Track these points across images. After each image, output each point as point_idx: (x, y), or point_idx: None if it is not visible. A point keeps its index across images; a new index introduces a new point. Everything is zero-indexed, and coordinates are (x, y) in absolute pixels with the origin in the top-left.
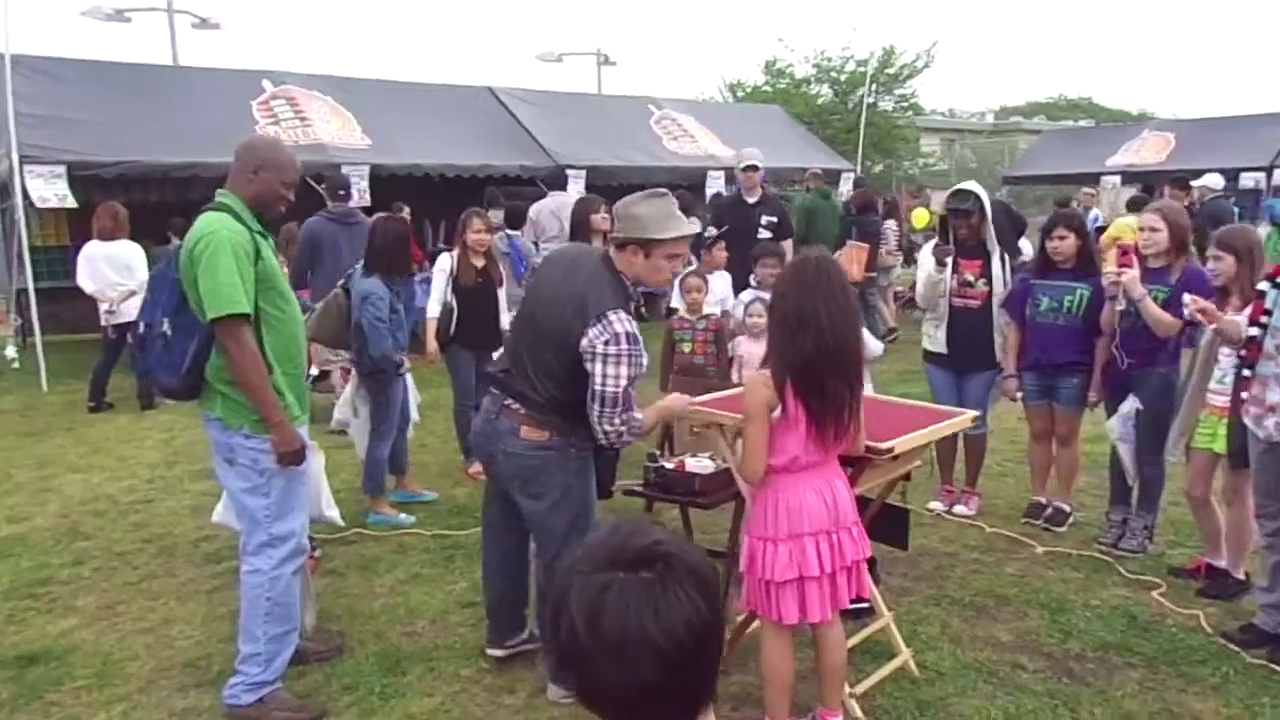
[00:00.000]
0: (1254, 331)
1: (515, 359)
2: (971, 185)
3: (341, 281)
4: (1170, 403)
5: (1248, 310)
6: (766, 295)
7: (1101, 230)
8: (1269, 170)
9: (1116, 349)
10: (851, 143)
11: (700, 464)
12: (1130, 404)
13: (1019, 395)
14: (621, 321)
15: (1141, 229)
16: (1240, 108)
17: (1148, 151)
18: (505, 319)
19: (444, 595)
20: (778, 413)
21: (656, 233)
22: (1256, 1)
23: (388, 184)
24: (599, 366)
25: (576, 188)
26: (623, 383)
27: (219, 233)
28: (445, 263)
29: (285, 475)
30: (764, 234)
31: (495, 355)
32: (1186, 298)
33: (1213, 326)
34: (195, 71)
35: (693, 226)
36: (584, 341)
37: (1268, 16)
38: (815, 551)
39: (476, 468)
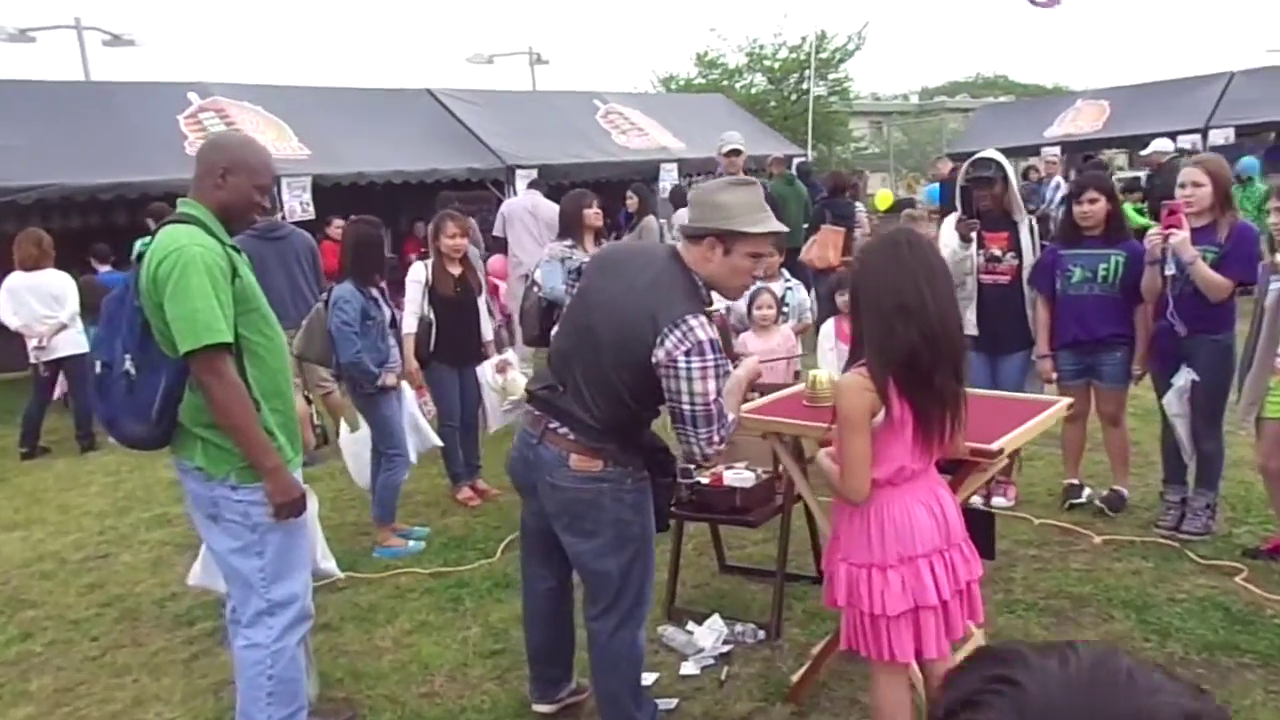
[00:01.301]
0: None
1: (564, 375)
2: (991, 152)
3: (324, 295)
4: (1228, 371)
5: None
6: (772, 285)
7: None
8: (1204, 132)
9: (1171, 316)
10: (788, 130)
11: (739, 476)
12: (1185, 376)
13: (1055, 376)
14: (703, 327)
15: (1182, 184)
16: (1152, 74)
17: (1084, 120)
18: (488, 329)
19: (459, 645)
20: (880, 417)
21: (744, 225)
22: None
23: (331, 194)
24: (684, 384)
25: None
26: (712, 397)
27: (187, 249)
28: (420, 273)
29: (282, 530)
30: None
31: (479, 369)
32: None
33: None
34: (115, 87)
35: (782, 225)
36: (660, 354)
37: None
38: (931, 576)
39: (467, 493)
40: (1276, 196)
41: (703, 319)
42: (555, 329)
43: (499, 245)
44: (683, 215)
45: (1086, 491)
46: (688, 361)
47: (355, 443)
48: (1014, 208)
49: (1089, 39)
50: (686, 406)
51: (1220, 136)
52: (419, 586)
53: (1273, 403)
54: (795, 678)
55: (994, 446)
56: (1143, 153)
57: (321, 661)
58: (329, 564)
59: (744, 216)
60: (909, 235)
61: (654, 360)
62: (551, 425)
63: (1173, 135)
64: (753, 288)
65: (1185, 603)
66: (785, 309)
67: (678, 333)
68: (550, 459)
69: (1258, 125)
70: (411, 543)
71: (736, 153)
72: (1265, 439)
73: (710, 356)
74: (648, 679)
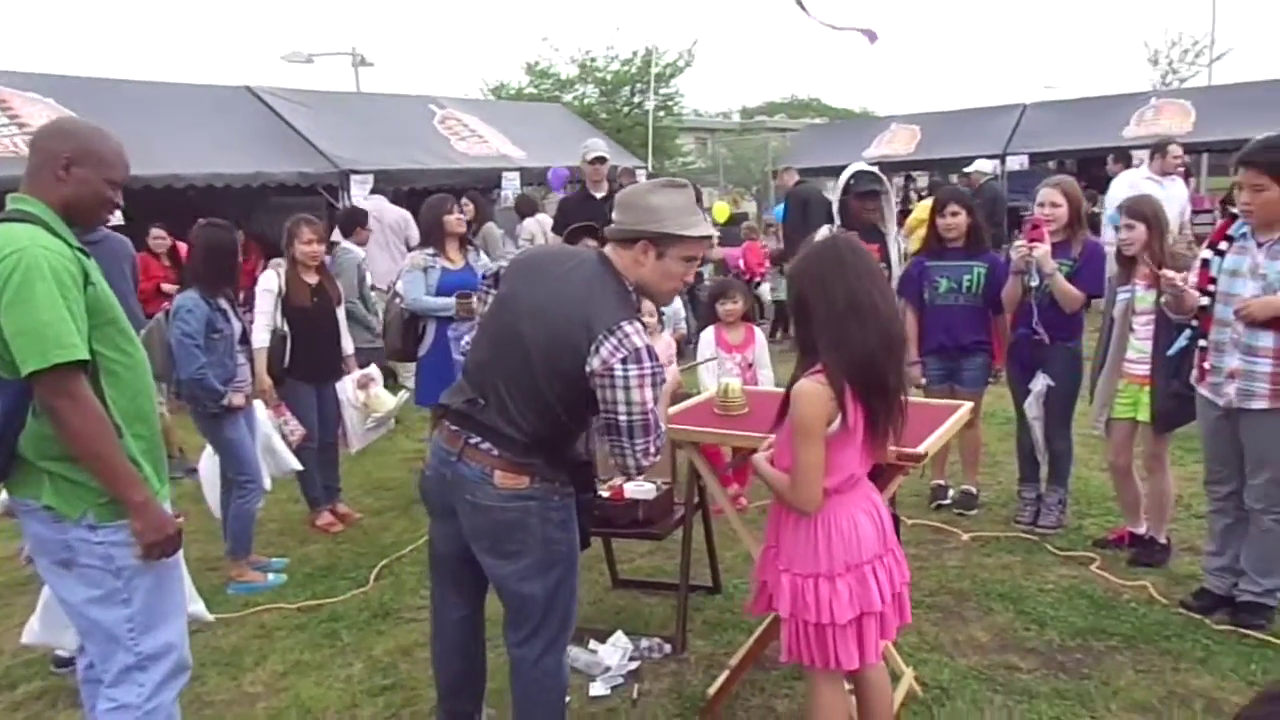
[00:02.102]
0: (1204, 301)
1: (485, 388)
2: (865, 165)
3: (168, 304)
4: (1078, 375)
5: (1191, 279)
6: None
7: (904, 214)
8: (1002, 157)
9: (1036, 326)
10: (621, 143)
11: (640, 488)
12: (1042, 381)
13: (923, 381)
14: (639, 334)
15: (1042, 204)
16: (948, 103)
17: (899, 143)
18: (348, 342)
19: (342, 684)
20: (835, 425)
21: (679, 228)
22: (950, 9)
23: (141, 198)
24: (621, 394)
25: (362, 193)
26: (650, 405)
27: (29, 250)
28: (271, 281)
29: (152, 572)
30: None
31: (339, 385)
32: (1166, 272)
33: (1154, 290)
34: None
35: (712, 229)
36: (595, 363)
37: (961, 22)
38: (875, 582)
39: (327, 519)
40: (1127, 214)
41: (638, 325)
42: (470, 339)
43: None
44: (530, 225)
45: (951, 492)
46: (624, 369)
47: (212, 470)
48: (885, 220)
49: (891, 69)
50: (624, 417)
51: (1016, 162)
52: (286, 623)
53: (1121, 404)
54: (711, 690)
55: (920, 449)
56: (965, 170)
57: (185, 716)
58: (197, 606)
59: (678, 219)
60: (848, 241)
61: (589, 369)
62: (472, 441)
63: (973, 159)
64: None
65: (1053, 592)
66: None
67: (613, 340)
68: (472, 477)
69: (1046, 154)
70: (271, 576)
71: (601, 160)
72: (1114, 438)
73: (648, 364)
74: None
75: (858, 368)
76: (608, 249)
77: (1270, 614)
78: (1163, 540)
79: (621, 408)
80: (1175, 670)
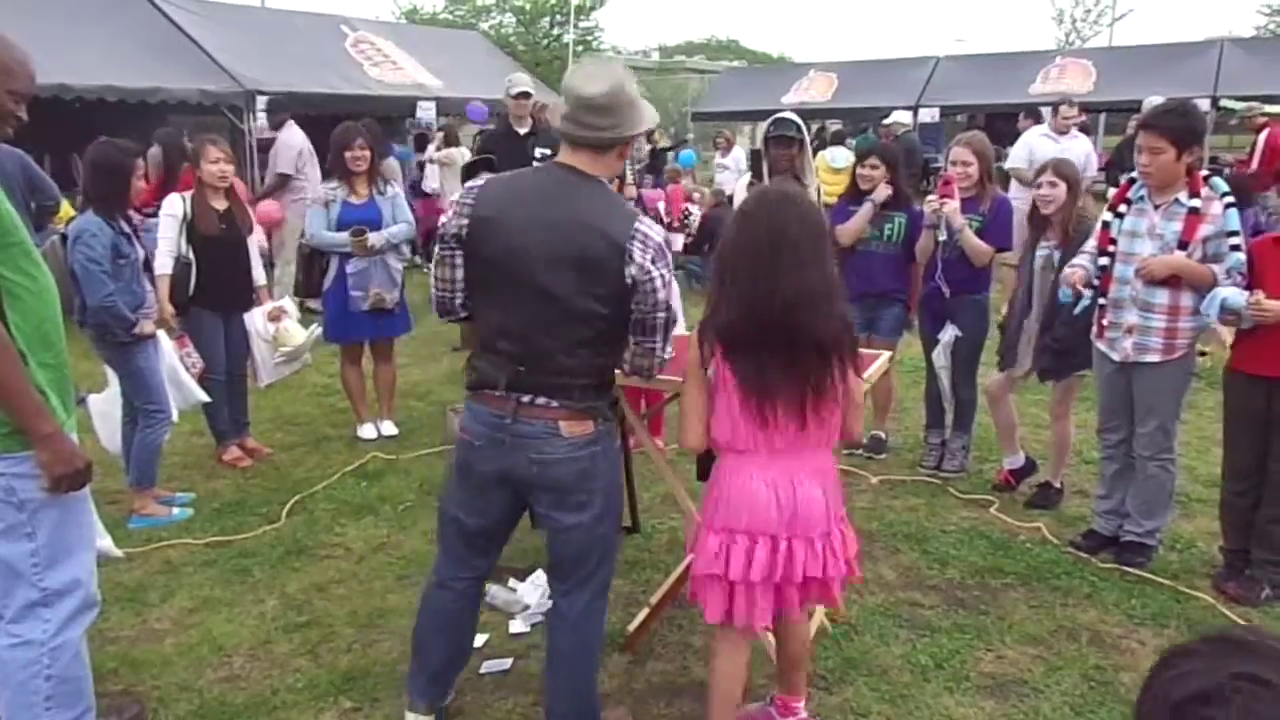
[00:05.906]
0: (1104, 261)
1: (528, 343)
2: (789, 114)
3: (62, 227)
4: (985, 326)
5: (1092, 243)
6: None
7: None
8: (914, 109)
9: (939, 279)
10: (539, 77)
11: None
12: (950, 333)
13: None
14: (651, 226)
15: (954, 163)
16: (863, 52)
17: (816, 90)
18: (259, 272)
19: (255, 620)
20: (711, 371)
21: (648, 123)
22: None
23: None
24: (660, 295)
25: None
26: (676, 302)
27: None
28: (176, 206)
29: (59, 506)
30: None
31: (248, 317)
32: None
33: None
34: None
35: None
36: (633, 271)
37: None
38: (749, 556)
39: (235, 453)
40: (1053, 173)
41: (646, 219)
42: (461, 301)
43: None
44: (452, 155)
45: (866, 439)
46: (656, 269)
47: (105, 401)
48: (805, 170)
49: (808, 13)
50: (661, 315)
51: (927, 114)
52: (194, 559)
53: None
54: (631, 627)
55: None
56: (884, 122)
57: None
58: (105, 542)
59: (648, 114)
60: (809, 199)
61: (629, 280)
62: (525, 399)
63: (887, 111)
64: None
65: (955, 533)
66: None
67: (638, 242)
68: (535, 433)
69: (956, 107)
70: (176, 510)
71: (526, 95)
72: (999, 375)
73: (668, 258)
74: (478, 641)
75: (724, 329)
76: (579, 157)
77: (1151, 553)
78: (1057, 485)
79: (662, 308)
80: (1064, 605)
